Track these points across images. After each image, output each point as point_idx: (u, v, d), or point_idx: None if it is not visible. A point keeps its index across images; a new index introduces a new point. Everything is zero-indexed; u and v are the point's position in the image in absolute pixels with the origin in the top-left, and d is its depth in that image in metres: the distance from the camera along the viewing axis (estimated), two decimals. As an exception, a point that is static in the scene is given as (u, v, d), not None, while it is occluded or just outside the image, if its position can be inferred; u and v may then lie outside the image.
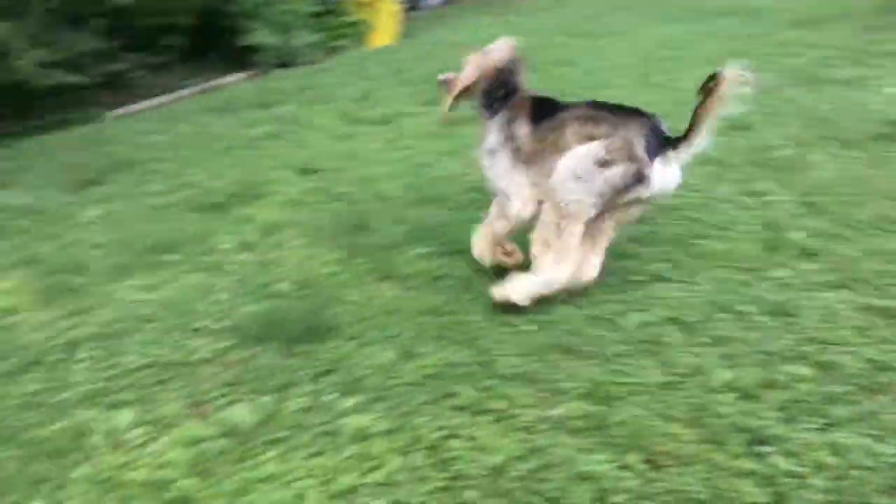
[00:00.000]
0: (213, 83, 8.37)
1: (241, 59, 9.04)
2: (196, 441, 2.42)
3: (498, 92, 3.08)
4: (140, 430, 2.51)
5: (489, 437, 2.34)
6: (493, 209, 3.18)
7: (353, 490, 2.19)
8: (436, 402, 2.53)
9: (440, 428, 2.40)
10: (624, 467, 2.18)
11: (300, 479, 2.24)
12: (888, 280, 2.96)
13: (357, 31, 10.28)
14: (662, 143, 2.77)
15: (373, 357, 2.80)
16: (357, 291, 3.31)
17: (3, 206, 4.70)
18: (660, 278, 3.17)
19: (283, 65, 9.21)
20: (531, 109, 3.03)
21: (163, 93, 8.10)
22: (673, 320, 2.86)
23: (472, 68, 3.10)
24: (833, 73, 5.64)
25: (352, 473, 2.24)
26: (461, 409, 2.49)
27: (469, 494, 2.13)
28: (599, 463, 2.20)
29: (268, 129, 6.22)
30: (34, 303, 3.48)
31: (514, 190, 3.04)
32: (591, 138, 2.81)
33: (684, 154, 2.76)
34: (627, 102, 2.96)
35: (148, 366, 2.88)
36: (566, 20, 10.52)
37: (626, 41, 8.46)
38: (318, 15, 9.90)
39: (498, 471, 2.20)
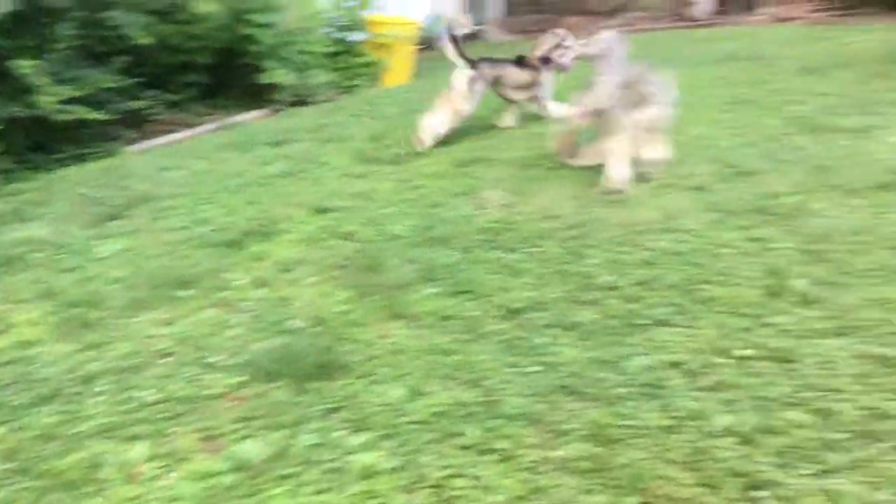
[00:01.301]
0: (229, 120, 8.49)
1: (258, 96, 9.21)
2: (207, 475, 2.49)
3: None
4: (153, 464, 2.57)
5: (493, 476, 2.41)
6: None
7: (358, 526, 2.26)
8: (442, 441, 2.60)
9: (445, 466, 2.47)
10: (622, 509, 2.24)
11: (308, 514, 2.31)
12: (888, 329, 3.03)
13: (372, 71, 10.48)
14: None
15: (382, 395, 2.87)
16: (368, 330, 3.39)
17: (25, 240, 4.78)
18: (662, 323, 3.25)
19: (300, 103, 9.38)
20: None
21: (181, 129, 8.25)
22: (675, 365, 2.93)
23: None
24: (838, 122, 5.69)
25: (358, 510, 2.31)
26: (466, 448, 2.56)
27: (472, 533, 2.19)
28: (599, 504, 2.26)
29: (282, 166, 6.30)
30: (52, 335, 3.54)
31: None
32: None
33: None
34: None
35: (162, 400, 2.94)
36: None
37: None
38: (334, 55, 10.11)
39: (500, 510, 2.27)
